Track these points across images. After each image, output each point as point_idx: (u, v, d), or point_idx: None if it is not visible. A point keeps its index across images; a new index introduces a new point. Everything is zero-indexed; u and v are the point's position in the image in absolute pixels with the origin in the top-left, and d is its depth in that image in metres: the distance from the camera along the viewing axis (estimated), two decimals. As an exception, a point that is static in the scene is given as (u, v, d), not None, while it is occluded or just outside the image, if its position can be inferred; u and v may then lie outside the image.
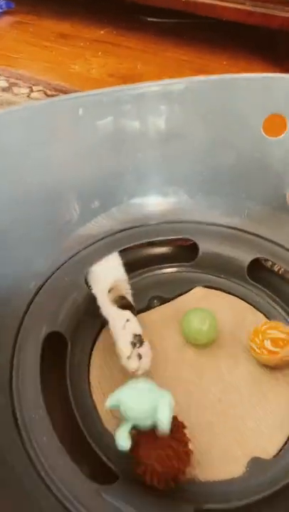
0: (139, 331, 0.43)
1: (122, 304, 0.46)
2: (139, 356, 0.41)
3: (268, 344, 0.44)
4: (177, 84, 0.49)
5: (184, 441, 0.36)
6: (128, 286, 0.48)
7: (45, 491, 0.33)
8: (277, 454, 0.40)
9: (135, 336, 0.42)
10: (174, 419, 0.37)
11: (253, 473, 0.39)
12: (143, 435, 0.36)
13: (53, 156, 0.48)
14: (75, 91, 0.94)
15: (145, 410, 0.35)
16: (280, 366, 0.46)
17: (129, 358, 0.41)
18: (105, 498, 0.33)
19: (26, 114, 0.46)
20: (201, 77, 0.50)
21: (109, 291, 0.46)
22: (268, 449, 0.41)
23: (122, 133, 0.51)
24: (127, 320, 0.43)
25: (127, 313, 0.44)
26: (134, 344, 0.41)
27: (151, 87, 0.49)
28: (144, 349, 0.42)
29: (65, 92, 0.95)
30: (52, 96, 0.94)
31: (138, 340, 0.42)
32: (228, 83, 0.50)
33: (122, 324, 0.43)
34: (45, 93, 0.95)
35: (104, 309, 0.46)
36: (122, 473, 0.36)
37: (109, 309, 0.46)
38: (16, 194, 0.46)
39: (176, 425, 0.37)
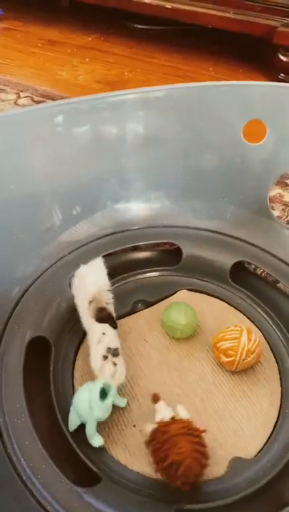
0: (115, 344, 0.43)
1: (101, 316, 0.45)
2: (114, 363, 0.41)
3: (223, 357, 0.46)
4: (157, 91, 0.50)
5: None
6: (110, 296, 0.47)
7: (27, 494, 0.33)
8: (258, 453, 0.41)
9: (109, 349, 0.42)
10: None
11: (234, 472, 0.39)
12: (160, 430, 0.38)
13: (35, 163, 0.49)
14: (62, 97, 0.95)
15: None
16: (249, 367, 0.47)
17: (101, 368, 0.41)
18: (87, 501, 0.34)
19: (7, 122, 0.46)
20: (181, 85, 0.51)
21: (89, 303, 0.45)
22: (249, 449, 0.42)
23: (103, 139, 0.52)
24: (103, 333, 0.43)
25: (105, 327, 0.44)
26: (105, 357, 0.41)
27: (131, 94, 0.50)
28: (119, 361, 0.42)
29: (52, 99, 0.96)
30: (39, 102, 0.95)
31: (112, 353, 0.42)
32: (208, 90, 0.51)
33: (97, 338, 0.43)
34: (33, 99, 0.96)
35: (84, 322, 0.46)
36: (104, 475, 0.37)
37: (88, 323, 0.45)
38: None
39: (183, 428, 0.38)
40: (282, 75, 1.05)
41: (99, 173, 0.53)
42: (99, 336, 0.43)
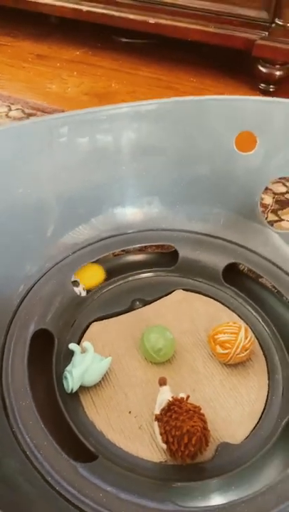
0: None
1: None
2: None
3: (219, 349, 0.49)
4: (150, 105, 0.54)
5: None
6: None
7: (30, 467, 0.37)
8: (245, 440, 0.44)
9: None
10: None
11: (221, 456, 0.42)
12: (176, 404, 0.42)
13: (41, 171, 0.53)
14: (52, 109, 0.99)
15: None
16: (240, 362, 0.50)
17: None
18: (83, 475, 0.37)
19: (16, 132, 0.51)
20: (175, 98, 0.55)
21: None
22: (236, 436, 0.45)
23: (103, 149, 0.56)
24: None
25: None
26: None
27: (127, 107, 0.54)
28: None
29: (43, 111, 1.00)
30: (30, 114, 0.99)
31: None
32: (200, 104, 0.56)
33: None
34: (23, 111, 1.00)
35: None
36: (101, 454, 0.40)
37: None
38: (6, 203, 0.51)
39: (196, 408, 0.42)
40: (262, 84, 1.10)
41: (99, 180, 0.57)
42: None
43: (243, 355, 0.49)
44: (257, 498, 0.37)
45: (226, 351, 0.48)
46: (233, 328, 0.50)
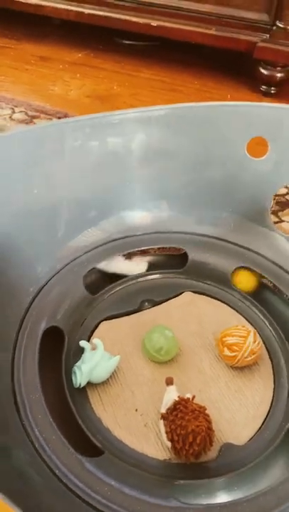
0: None
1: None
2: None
3: (226, 351, 0.50)
4: (164, 109, 0.56)
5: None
6: None
7: (39, 460, 0.38)
8: (248, 441, 0.45)
9: None
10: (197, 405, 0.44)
11: (225, 456, 0.43)
12: (182, 403, 0.43)
13: (54, 174, 0.54)
14: (55, 112, 1.00)
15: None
16: (246, 366, 0.50)
17: None
18: (89, 469, 0.38)
19: (31, 136, 0.52)
20: (187, 104, 0.56)
21: None
22: (240, 438, 0.45)
23: (115, 153, 0.57)
24: None
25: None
26: None
27: (138, 112, 0.55)
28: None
29: (46, 113, 1.01)
30: (33, 117, 1.00)
31: None
32: (212, 109, 0.56)
33: None
34: (27, 114, 1.01)
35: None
36: (106, 449, 0.41)
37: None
38: (21, 204, 0.53)
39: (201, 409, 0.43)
40: (263, 86, 1.10)
41: (110, 183, 0.59)
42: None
43: (250, 358, 0.49)
44: (259, 497, 0.38)
45: (234, 354, 0.49)
46: (242, 331, 0.50)
